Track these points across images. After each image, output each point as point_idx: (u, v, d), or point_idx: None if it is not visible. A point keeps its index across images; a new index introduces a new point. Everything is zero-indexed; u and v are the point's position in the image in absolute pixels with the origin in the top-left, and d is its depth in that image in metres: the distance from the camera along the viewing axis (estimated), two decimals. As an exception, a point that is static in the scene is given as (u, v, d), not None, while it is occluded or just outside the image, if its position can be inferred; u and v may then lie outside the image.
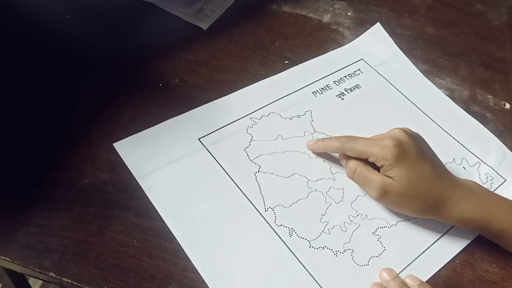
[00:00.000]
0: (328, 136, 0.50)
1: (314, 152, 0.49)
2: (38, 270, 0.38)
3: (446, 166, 0.51)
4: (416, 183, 0.42)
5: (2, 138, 0.46)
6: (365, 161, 0.45)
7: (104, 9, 0.58)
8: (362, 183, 0.45)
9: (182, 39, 0.57)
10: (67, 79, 0.51)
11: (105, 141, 0.47)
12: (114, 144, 0.46)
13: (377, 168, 0.44)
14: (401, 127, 0.47)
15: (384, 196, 0.43)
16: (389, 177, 0.43)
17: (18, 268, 0.39)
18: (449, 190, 0.43)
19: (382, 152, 0.43)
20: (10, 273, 0.73)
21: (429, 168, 0.43)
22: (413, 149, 0.43)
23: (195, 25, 0.59)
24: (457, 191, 0.43)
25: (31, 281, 1.02)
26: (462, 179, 0.46)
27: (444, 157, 0.51)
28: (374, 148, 0.43)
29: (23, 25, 0.55)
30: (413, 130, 0.47)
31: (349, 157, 0.46)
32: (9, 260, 0.39)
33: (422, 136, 0.48)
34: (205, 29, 0.59)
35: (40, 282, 1.01)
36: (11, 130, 0.46)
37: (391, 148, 0.43)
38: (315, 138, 0.50)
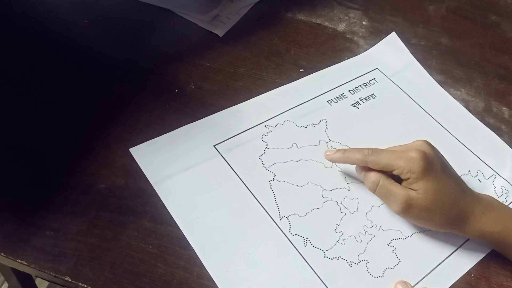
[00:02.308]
0: (345, 147, 0.50)
1: (333, 162, 0.48)
2: (53, 274, 0.38)
3: (462, 178, 0.50)
4: (441, 197, 0.42)
5: (19, 142, 0.46)
6: (386, 173, 0.44)
7: (121, 15, 0.59)
8: (385, 196, 0.44)
9: (198, 45, 0.58)
10: (84, 84, 0.52)
11: (121, 146, 0.47)
12: (130, 149, 0.46)
13: (399, 181, 0.44)
14: (422, 139, 0.46)
15: (407, 210, 0.43)
16: (413, 190, 0.42)
17: (33, 272, 0.39)
18: (471, 204, 0.43)
19: (408, 165, 0.42)
20: (17, 273, 0.73)
21: (454, 182, 0.43)
22: (438, 162, 0.43)
23: (211, 31, 0.59)
24: (478, 206, 0.43)
25: (37, 280, 1.02)
26: (480, 193, 0.46)
27: (459, 169, 0.50)
28: (400, 160, 0.43)
29: (42, 29, 0.56)
30: (428, 140, 0.47)
31: (368, 169, 0.45)
32: (25, 263, 0.39)
33: (437, 148, 0.47)
34: (220, 36, 0.59)
35: (47, 283, 1.02)
36: (28, 134, 0.47)
37: (417, 161, 0.42)
38: (330, 148, 0.50)
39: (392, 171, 0.43)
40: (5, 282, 1.03)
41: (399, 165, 0.43)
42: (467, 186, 0.45)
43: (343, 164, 0.49)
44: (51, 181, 0.44)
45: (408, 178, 0.42)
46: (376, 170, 0.44)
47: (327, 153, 0.47)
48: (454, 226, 0.43)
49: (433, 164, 0.43)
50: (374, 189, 0.44)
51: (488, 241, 0.44)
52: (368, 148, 0.45)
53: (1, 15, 0.56)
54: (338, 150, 0.47)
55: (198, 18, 0.60)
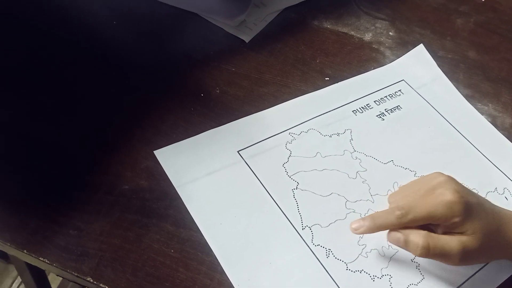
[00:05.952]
0: (370, 158, 0.50)
1: (364, 234, 0.42)
2: (76, 274, 0.38)
3: (488, 195, 0.49)
4: (487, 229, 0.39)
5: (47, 139, 0.46)
6: (423, 227, 0.40)
7: (150, 17, 0.59)
8: (440, 256, 0.40)
9: (224, 50, 0.58)
10: (111, 85, 0.52)
11: (146, 148, 0.47)
12: (155, 152, 0.46)
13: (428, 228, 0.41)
14: (437, 172, 0.43)
15: (465, 258, 0.40)
16: (461, 233, 0.39)
17: (55, 271, 0.39)
18: (510, 225, 0.41)
19: (450, 211, 0.39)
20: (31, 269, 0.74)
21: (488, 207, 0.41)
22: (469, 194, 0.41)
23: (237, 37, 0.59)
24: None
25: (50, 276, 1.02)
26: (504, 209, 0.45)
27: (485, 186, 0.50)
28: (438, 208, 0.39)
29: (71, 29, 0.56)
30: (454, 155, 0.45)
31: (407, 235, 0.40)
32: (48, 262, 0.39)
33: (464, 163, 0.46)
34: (247, 41, 0.59)
35: (59, 280, 1.02)
36: (55, 133, 0.47)
37: (457, 203, 0.39)
38: (355, 158, 0.50)
39: (434, 222, 0.40)
40: (19, 277, 1.04)
41: (440, 214, 0.39)
42: (494, 204, 0.44)
43: (368, 176, 0.48)
44: (76, 180, 0.44)
45: (454, 223, 0.39)
46: (415, 230, 0.40)
47: (353, 227, 0.41)
48: (502, 253, 0.42)
49: (468, 198, 0.40)
50: (427, 254, 0.39)
51: None
52: (396, 208, 0.40)
53: (33, 13, 0.57)
54: (364, 220, 0.41)
55: (225, 23, 0.60)
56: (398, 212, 0.40)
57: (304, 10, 0.65)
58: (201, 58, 0.56)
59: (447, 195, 0.39)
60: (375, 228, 0.41)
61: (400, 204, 0.41)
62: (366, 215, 0.46)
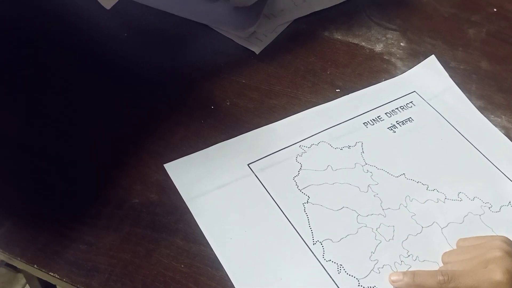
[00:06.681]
0: (382, 171, 0.49)
1: None
2: (85, 290, 0.38)
3: (502, 209, 0.49)
4: None
5: (56, 153, 0.46)
6: None
7: (160, 29, 0.59)
8: None
9: (234, 62, 0.57)
10: (120, 97, 0.52)
11: (155, 161, 0.47)
12: (165, 165, 0.46)
13: None
14: (501, 241, 0.41)
15: None
16: None
17: (65, 286, 0.39)
18: None
19: None
20: (40, 278, 0.74)
21: None
22: None
23: (247, 48, 0.59)
24: None
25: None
26: None
27: (499, 199, 0.49)
28: (483, 286, 0.38)
29: (81, 41, 0.56)
30: (467, 168, 0.43)
31: None
32: (58, 277, 0.39)
33: (476, 176, 0.44)
34: (257, 53, 0.59)
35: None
36: (64, 146, 0.47)
37: (504, 286, 0.38)
38: (366, 171, 0.49)
39: None
40: (27, 285, 1.04)
41: None
42: None
43: (380, 190, 0.48)
44: (86, 194, 0.44)
45: None
46: None
47: (392, 278, 0.41)
48: None
49: None
50: None
51: None
52: (441, 272, 0.40)
53: (42, 26, 0.57)
54: (405, 274, 0.41)
55: (235, 35, 0.60)
56: (440, 277, 0.39)
57: (315, 21, 0.65)
58: (211, 70, 0.56)
59: (496, 274, 0.38)
60: (414, 286, 0.40)
61: (449, 268, 0.40)
62: (378, 229, 0.45)
